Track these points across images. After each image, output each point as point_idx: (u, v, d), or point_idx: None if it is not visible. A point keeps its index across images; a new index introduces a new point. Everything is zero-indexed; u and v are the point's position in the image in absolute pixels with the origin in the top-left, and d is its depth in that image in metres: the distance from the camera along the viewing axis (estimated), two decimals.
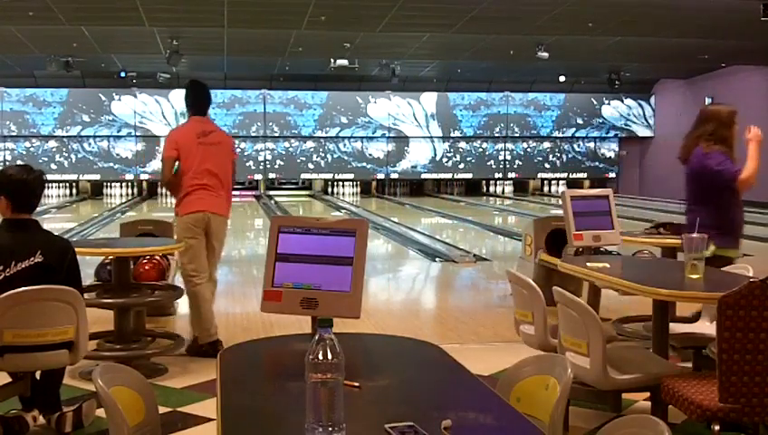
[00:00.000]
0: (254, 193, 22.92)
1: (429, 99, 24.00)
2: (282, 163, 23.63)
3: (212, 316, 5.35)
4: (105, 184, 23.14)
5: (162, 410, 3.59)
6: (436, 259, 10.32)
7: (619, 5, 12.58)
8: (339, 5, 12.50)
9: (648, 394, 3.84)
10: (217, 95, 22.98)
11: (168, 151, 5.34)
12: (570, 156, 25.15)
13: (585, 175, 25.22)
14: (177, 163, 5.29)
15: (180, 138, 5.38)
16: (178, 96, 22.71)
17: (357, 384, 2.16)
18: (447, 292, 8.63)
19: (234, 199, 5.75)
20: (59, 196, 22.40)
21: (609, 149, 25.35)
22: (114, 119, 22.63)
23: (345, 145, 23.83)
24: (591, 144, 25.23)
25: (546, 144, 24.97)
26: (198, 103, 5.48)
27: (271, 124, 23.12)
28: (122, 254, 5.10)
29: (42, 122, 22.26)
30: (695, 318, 4.54)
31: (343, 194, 23.92)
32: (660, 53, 17.68)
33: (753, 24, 12.29)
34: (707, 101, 21.52)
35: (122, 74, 20.08)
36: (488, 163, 24.68)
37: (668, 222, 5.88)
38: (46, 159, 22.24)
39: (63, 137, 22.52)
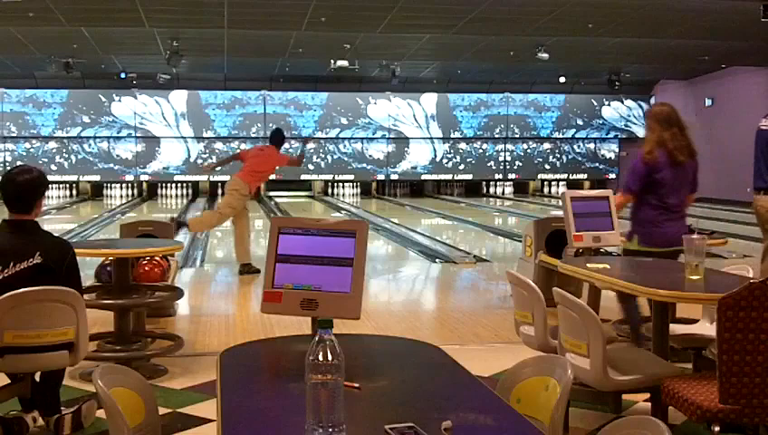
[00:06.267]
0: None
1: (429, 100, 23.98)
2: None
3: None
4: (105, 185, 23.09)
5: (162, 411, 3.60)
6: (437, 260, 10.32)
7: (619, 6, 12.57)
8: (339, 6, 12.50)
9: (648, 395, 3.83)
10: (217, 96, 23.01)
11: (241, 152, 9.60)
12: (570, 157, 25.14)
13: (585, 176, 25.19)
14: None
15: (250, 150, 9.63)
16: (178, 97, 22.74)
17: (357, 385, 2.16)
18: (447, 293, 8.63)
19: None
20: (59, 197, 22.37)
21: (610, 151, 25.34)
22: (114, 120, 22.61)
23: (345, 146, 23.81)
24: (591, 145, 25.22)
25: (546, 145, 24.95)
26: (272, 139, 9.25)
27: (271, 125, 22.93)
28: (122, 255, 5.10)
29: (42, 123, 22.23)
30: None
31: (343, 195, 23.90)
32: (660, 54, 17.68)
33: (754, 24, 12.28)
34: (707, 102, 21.55)
35: (122, 75, 20.07)
36: (488, 164, 24.66)
37: None
38: (46, 160, 22.21)
39: (63, 138, 22.50)
